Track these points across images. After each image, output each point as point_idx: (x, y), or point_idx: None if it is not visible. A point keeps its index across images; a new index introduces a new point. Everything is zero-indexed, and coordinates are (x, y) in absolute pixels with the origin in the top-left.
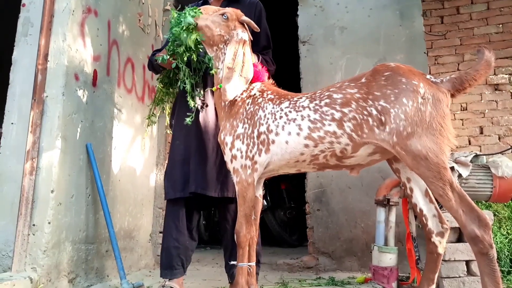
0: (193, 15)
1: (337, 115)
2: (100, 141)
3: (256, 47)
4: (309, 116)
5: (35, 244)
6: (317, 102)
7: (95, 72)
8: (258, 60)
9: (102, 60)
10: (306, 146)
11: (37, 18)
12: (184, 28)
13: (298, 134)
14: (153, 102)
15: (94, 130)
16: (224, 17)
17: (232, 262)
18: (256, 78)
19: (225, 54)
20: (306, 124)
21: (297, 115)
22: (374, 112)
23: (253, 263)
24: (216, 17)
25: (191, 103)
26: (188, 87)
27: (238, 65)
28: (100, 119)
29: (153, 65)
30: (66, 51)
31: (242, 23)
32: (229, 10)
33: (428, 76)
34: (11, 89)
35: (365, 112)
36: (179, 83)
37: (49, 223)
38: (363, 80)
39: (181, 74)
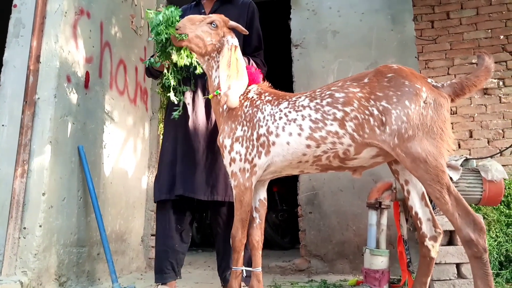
0: (173, 11)
1: (339, 115)
2: (92, 143)
3: (248, 48)
4: (310, 115)
5: (26, 247)
6: (318, 101)
7: (87, 74)
8: (249, 63)
9: (95, 62)
10: (308, 146)
11: (29, 19)
12: (164, 25)
13: (299, 134)
14: (160, 108)
15: (86, 132)
16: (213, 25)
17: (247, 269)
18: (251, 81)
19: (218, 62)
20: (307, 124)
21: (297, 115)
22: (376, 112)
23: (259, 269)
24: (204, 26)
25: (173, 98)
26: (172, 82)
27: (233, 71)
28: (92, 121)
29: (150, 71)
30: (58, 52)
31: (230, 28)
32: (216, 18)
33: (429, 80)
34: (2, 91)
35: (367, 112)
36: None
37: (40, 226)
38: (365, 80)
39: (165, 71)
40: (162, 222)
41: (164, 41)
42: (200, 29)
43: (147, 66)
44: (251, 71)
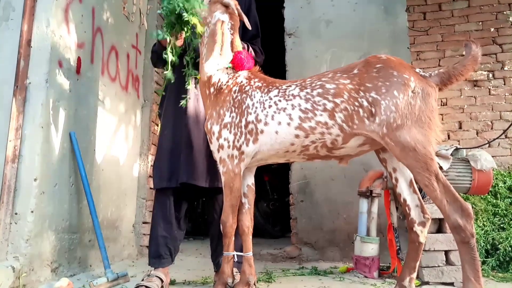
0: None
1: (329, 106)
2: (84, 129)
3: (245, 36)
4: (300, 105)
5: (18, 233)
6: (309, 91)
7: (79, 59)
8: (248, 51)
9: (86, 48)
10: (297, 136)
11: (19, 2)
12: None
13: (288, 124)
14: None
15: (77, 118)
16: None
17: (237, 253)
18: (241, 65)
19: (206, 37)
20: (297, 113)
21: (287, 104)
22: (365, 103)
23: (250, 253)
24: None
25: (170, 75)
26: (170, 57)
27: (217, 43)
28: (83, 108)
29: (157, 53)
30: (49, 37)
31: (225, 6)
32: None
33: (417, 70)
34: None
35: (356, 103)
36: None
37: (32, 212)
38: (355, 71)
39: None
40: (162, 209)
41: (176, 12)
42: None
43: (156, 38)
44: (242, 56)
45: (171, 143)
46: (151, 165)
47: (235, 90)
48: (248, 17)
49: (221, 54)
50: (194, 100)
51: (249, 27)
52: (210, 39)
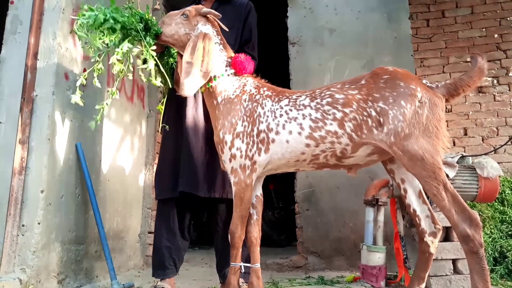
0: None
1: (339, 115)
2: (90, 141)
3: (239, 41)
4: (310, 115)
5: (25, 244)
6: (318, 101)
7: (84, 71)
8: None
9: (92, 60)
10: (308, 145)
11: (26, 16)
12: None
13: (299, 133)
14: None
15: (83, 129)
16: (184, 16)
17: (245, 265)
18: (243, 68)
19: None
20: (308, 123)
21: (298, 113)
22: (373, 113)
23: (258, 265)
24: (178, 18)
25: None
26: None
27: (197, 59)
28: (89, 119)
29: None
30: (56, 49)
31: (205, 17)
32: (188, 8)
33: (424, 81)
34: (0, 88)
35: (365, 113)
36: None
37: (39, 223)
38: (362, 82)
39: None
40: (165, 219)
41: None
42: (174, 22)
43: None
44: (241, 59)
45: (172, 153)
46: None
47: (245, 99)
48: (244, 23)
49: (201, 69)
50: (193, 109)
51: (226, 30)
52: (189, 54)
